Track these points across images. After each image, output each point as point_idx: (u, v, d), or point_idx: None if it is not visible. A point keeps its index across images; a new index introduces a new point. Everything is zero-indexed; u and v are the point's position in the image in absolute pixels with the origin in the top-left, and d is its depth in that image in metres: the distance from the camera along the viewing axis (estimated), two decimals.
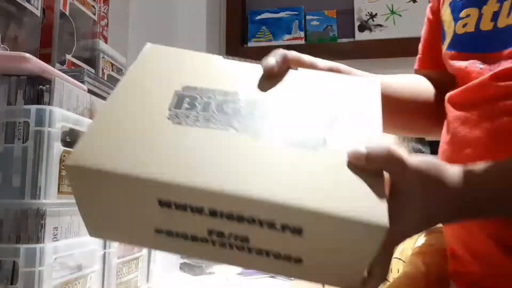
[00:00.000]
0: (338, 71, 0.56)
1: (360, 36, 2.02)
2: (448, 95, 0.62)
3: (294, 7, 2.11)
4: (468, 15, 0.58)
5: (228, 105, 0.44)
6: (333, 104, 0.45)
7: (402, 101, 0.67)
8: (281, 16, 2.11)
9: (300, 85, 0.48)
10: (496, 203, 0.46)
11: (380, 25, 2.02)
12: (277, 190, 0.37)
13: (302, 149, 0.40)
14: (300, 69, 0.50)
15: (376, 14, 2.04)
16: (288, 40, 2.05)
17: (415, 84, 0.71)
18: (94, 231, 0.45)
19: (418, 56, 0.75)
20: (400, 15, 2.01)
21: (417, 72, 0.75)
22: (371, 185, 0.37)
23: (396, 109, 0.65)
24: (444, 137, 0.62)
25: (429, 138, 0.73)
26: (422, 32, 0.75)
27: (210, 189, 0.36)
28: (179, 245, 0.41)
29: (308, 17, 2.09)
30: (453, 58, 0.61)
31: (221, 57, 0.49)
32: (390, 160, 0.40)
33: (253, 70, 0.48)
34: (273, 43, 2.05)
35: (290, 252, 0.39)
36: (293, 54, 0.51)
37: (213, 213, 0.37)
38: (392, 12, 2.03)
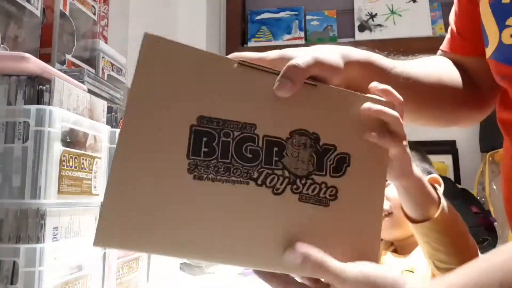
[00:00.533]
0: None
1: (360, 36, 2.02)
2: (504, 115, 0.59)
3: (294, 7, 2.12)
4: None
5: (247, 146, 0.41)
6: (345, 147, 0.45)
7: (427, 89, 0.62)
8: (281, 16, 2.11)
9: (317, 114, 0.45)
10: None
11: (380, 25, 2.02)
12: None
13: (314, 205, 0.43)
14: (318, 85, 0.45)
15: (376, 14, 2.04)
16: (288, 40, 2.05)
17: (441, 71, 0.66)
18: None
19: (447, 37, 0.71)
20: (400, 15, 2.01)
21: (444, 54, 0.71)
22: None
23: (422, 99, 0.61)
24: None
25: (460, 126, 0.70)
26: (452, 13, 0.70)
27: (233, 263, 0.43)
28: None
29: (308, 17, 2.09)
30: (502, 70, 0.56)
31: (236, 63, 0.42)
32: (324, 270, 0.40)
33: (269, 87, 0.43)
34: (273, 43, 2.06)
35: None
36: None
37: None
38: (392, 12, 2.03)
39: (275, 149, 0.42)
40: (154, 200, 0.38)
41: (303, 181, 0.42)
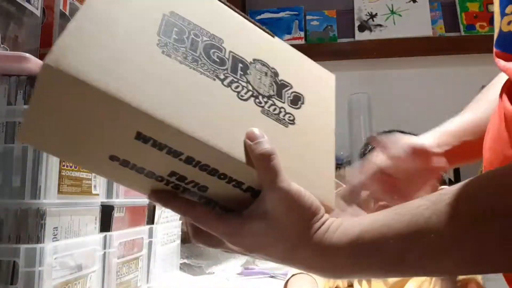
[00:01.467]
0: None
1: (360, 36, 2.02)
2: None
3: (294, 7, 2.12)
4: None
5: (215, 51, 0.43)
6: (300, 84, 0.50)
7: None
8: (281, 16, 2.11)
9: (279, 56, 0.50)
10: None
11: (380, 25, 2.02)
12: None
13: (275, 122, 0.45)
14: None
15: (376, 14, 2.04)
16: (288, 40, 2.05)
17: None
18: (29, 135, 0.39)
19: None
20: (400, 15, 2.01)
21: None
22: None
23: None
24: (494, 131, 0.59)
25: None
26: None
27: (200, 139, 0.37)
28: (127, 175, 0.40)
29: (308, 17, 2.09)
30: (498, 56, 0.56)
31: None
32: (264, 167, 0.41)
33: (241, 23, 0.48)
34: None
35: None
36: None
37: (188, 161, 0.39)
38: (392, 12, 2.03)
39: (240, 65, 0.44)
40: (120, 48, 0.36)
41: (265, 99, 0.45)
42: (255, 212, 0.42)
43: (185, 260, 1.14)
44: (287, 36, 2.07)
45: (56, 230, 0.62)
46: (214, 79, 0.41)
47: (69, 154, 0.41)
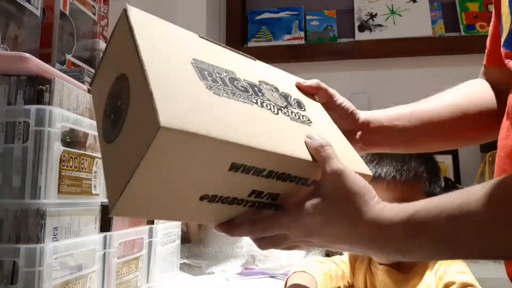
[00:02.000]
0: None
1: (360, 36, 2.02)
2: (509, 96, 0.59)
3: (294, 7, 2.11)
4: None
5: (237, 82, 0.49)
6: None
7: (442, 124, 0.70)
8: (281, 16, 2.11)
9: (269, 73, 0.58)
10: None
11: (380, 25, 2.02)
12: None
13: (302, 124, 0.52)
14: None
15: (376, 14, 2.04)
16: (288, 40, 2.05)
17: (462, 98, 0.72)
18: (126, 208, 0.42)
19: (486, 51, 0.73)
20: (400, 15, 2.01)
21: (485, 68, 0.74)
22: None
23: (441, 133, 0.69)
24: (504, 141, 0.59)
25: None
26: (490, 25, 0.72)
27: (280, 153, 0.44)
28: (209, 210, 0.45)
29: (308, 17, 2.09)
30: (508, 57, 0.58)
31: (196, 35, 0.55)
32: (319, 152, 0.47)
33: (231, 54, 0.56)
34: (273, 43, 2.06)
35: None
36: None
37: (268, 175, 0.45)
38: (392, 12, 2.03)
39: (256, 88, 0.51)
40: (191, 100, 0.41)
41: (285, 110, 0.52)
42: (313, 196, 0.46)
43: (185, 260, 1.14)
44: (287, 36, 2.07)
45: (56, 230, 0.62)
46: (252, 104, 0.47)
47: (163, 212, 0.45)
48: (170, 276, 1.00)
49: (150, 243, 0.90)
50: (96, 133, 0.71)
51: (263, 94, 0.51)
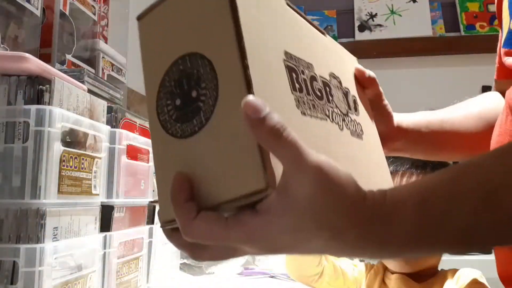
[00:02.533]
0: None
1: (360, 36, 2.02)
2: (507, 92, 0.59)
3: None
4: None
5: (315, 84, 0.43)
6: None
7: (467, 132, 0.69)
8: None
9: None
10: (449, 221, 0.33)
11: (380, 25, 2.02)
12: None
13: (357, 139, 0.48)
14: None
15: (376, 14, 2.04)
16: None
17: (497, 108, 0.69)
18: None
19: (496, 66, 0.72)
20: (400, 15, 2.01)
21: (496, 82, 0.74)
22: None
23: (486, 141, 0.65)
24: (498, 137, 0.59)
25: None
26: (498, 41, 0.71)
27: None
28: None
29: (308, 17, 2.10)
30: (507, 55, 0.58)
31: (284, 3, 0.44)
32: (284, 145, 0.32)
33: (309, 30, 0.48)
34: None
35: None
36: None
37: None
38: (392, 12, 2.03)
39: (327, 89, 0.45)
40: None
41: (347, 118, 0.47)
42: (279, 204, 0.32)
43: (185, 260, 1.14)
44: None
45: (56, 230, 0.62)
46: (326, 120, 0.42)
47: None
48: (170, 276, 1.00)
49: (150, 243, 0.90)
50: (96, 133, 0.71)
51: (332, 99, 0.45)
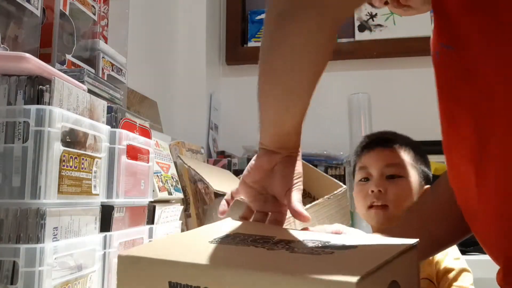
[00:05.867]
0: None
1: (360, 36, 2.02)
2: None
3: None
4: None
5: (261, 243, 0.52)
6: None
7: None
8: None
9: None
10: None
11: (380, 25, 2.02)
12: None
13: None
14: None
15: (376, 14, 2.04)
16: None
17: None
18: None
19: None
20: (400, 15, 2.01)
21: None
22: None
23: None
24: None
25: None
26: None
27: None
28: None
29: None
30: None
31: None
32: None
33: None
34: None
35: None
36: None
37: None
38: (392, 12, 2.03)
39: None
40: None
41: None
42: None
43: None
44: None
45: (56, 230, 0.62)
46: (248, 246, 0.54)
47: None
48: None
49: None
50: (96, 133, 0.71)
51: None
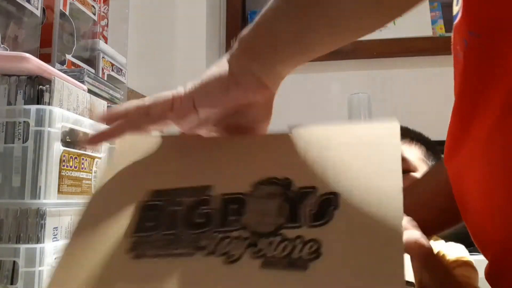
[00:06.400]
0: None
1: None
2: None
3: None
4: None
5: (199, 210, 0.36)
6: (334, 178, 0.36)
7: None
8: None
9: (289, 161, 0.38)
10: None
11: None
12: None
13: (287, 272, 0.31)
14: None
15: None
16: None
17: None
18: None
19: None
20: None
21: None
22: None
23: None
24: None
25: None
26: None
27: None
28: None
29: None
30: None
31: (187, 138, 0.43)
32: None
33: (217, 146, 0.42)
34: None
35: None
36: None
37: None
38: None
39: (233, 206, 0.35)
40: (95, 282, 0.35)
41: (269, 239, 0.33)
42: None
43: None
44: None
45: (56, 230, 0.62)
46: (192, 254, 0.34)
47: None
48: None
49: None
50: None
51: (239, 216, 0.35)
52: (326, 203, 0.33)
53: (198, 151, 0.42)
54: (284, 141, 0.39)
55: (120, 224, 0.37)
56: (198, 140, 0.42)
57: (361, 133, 0.38)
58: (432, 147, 1.05)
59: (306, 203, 0.34)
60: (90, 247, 0.38)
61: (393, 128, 0.38)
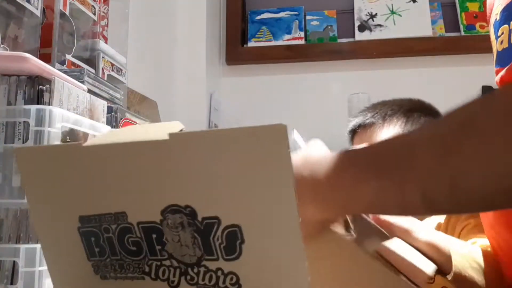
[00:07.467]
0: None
1: (360, 36, 2.02)
2: None
3: (294, 7, 2.11)
4: (502, 33, 0.58)
5: (127, 237, 0.35)
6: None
7: None
8: (281, 16, 2.11)
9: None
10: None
11: (380, 25, 2.02)
12: None
13: None
14: None
15: (376, 14, 2.04)
16: (288, 40, 2.05)
17: None
18: None
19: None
20: (400, 15, 2.01)
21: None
22: None
23: None
24: None
25: None
26: None
27: None
28: None
29: (308, 17, 2.09)
30: (497, 73, 0.59)
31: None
32: None
33: (127, 165, 0.35)
34: (273, 43, 2.05)
35: None
36: None
37: None
38: (392, 12, 2.03)
39: (154, 236, 0.34)
40: None
41: (195, 270, 0.33)
42: None
43: None
44: (287, 36, 2.07)
45: None
46: (143, 278, 0.35)
47: None
48: None
49: None
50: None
51: (163, 247, 0.34)
52: (232, 237, 0.32)
53: (102, 164, 0.36)
54: (170, 152, 0.33)
55: (77, 248, 0.37)
56: (99, 150, 0.36)
57: (247, 142, 0.32)
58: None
59: (214, 236, 0.33)
60: (63, 269, 0.39)
61: (280, 133, 0.31)
